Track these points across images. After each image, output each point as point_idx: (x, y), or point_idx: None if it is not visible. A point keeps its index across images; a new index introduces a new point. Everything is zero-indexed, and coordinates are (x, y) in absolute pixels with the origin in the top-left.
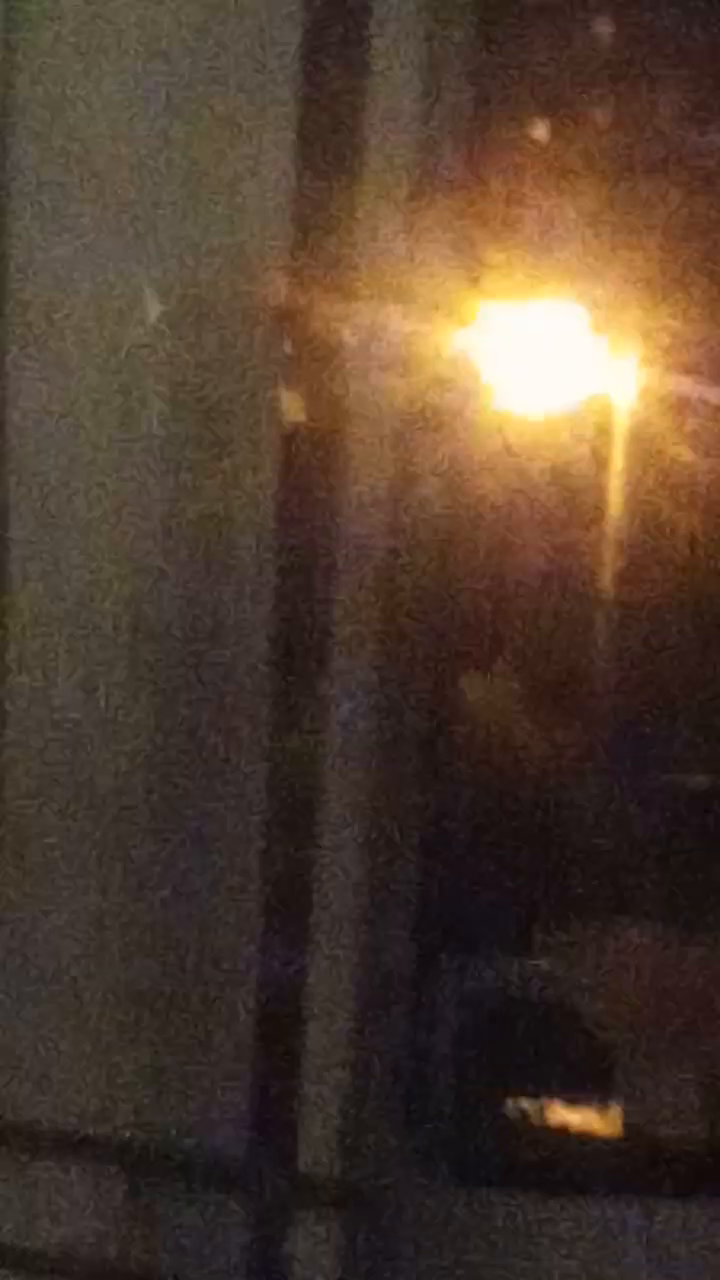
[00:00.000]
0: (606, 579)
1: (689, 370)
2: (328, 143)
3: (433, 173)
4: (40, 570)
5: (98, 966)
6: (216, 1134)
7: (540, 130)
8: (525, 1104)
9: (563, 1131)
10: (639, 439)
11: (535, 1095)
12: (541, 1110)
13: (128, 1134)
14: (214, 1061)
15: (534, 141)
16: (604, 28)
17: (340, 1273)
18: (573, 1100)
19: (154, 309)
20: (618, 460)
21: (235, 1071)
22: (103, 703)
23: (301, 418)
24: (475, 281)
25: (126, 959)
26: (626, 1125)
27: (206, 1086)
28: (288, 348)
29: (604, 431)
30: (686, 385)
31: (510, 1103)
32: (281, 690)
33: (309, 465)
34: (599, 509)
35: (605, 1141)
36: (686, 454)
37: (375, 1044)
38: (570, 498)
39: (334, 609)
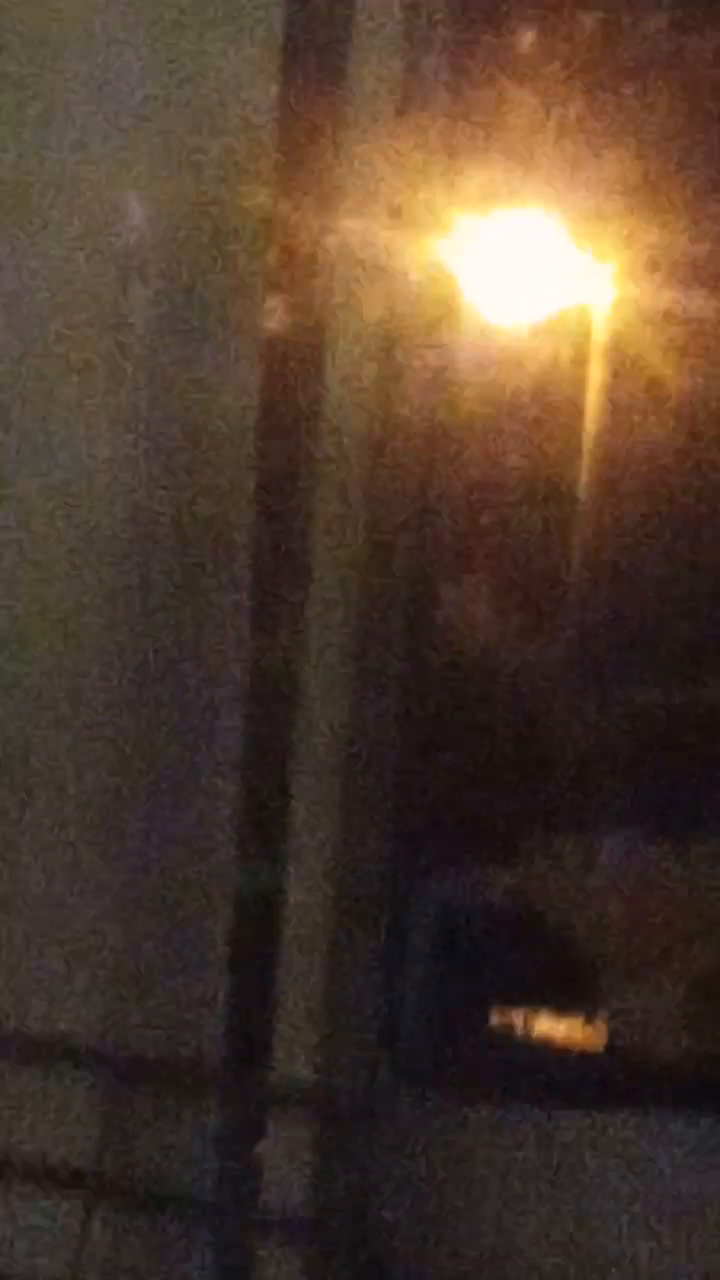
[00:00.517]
0: (586, 490)
1: (672, 281)
2: (313, 53)
3: (416, 82)
4: (17, 471)
5: (75, 877)
6: (192, 1041)
7: (524, 39)
8: (505, 1015)
9: (543, 1043)
10: (621, 349)
11: (515, 1006)
12: (522, 1021)
13: (103, 1042)
14: (190, 969)
15: (517, 50)
16: None
17: (314, 1180)
18: (554, 1012)
19: (138, 216)
20: (599, 371)
21: (211, 979)
22: (80, 609)
23: (284, 328)
24: (458, 191)
25: (104, 869)
26: (609, 1037)
27: (183, 994)
28: (271, 257)
29: (585, 342)
30: (669, 296)
31: (489, 1014)
32: (260, 600)
33: (291, 375)
34: (579, 420)
35: (587, 1054)
36: (668, 365)
37: (352, 953)
38: (551, 409)
39: (314, 518)
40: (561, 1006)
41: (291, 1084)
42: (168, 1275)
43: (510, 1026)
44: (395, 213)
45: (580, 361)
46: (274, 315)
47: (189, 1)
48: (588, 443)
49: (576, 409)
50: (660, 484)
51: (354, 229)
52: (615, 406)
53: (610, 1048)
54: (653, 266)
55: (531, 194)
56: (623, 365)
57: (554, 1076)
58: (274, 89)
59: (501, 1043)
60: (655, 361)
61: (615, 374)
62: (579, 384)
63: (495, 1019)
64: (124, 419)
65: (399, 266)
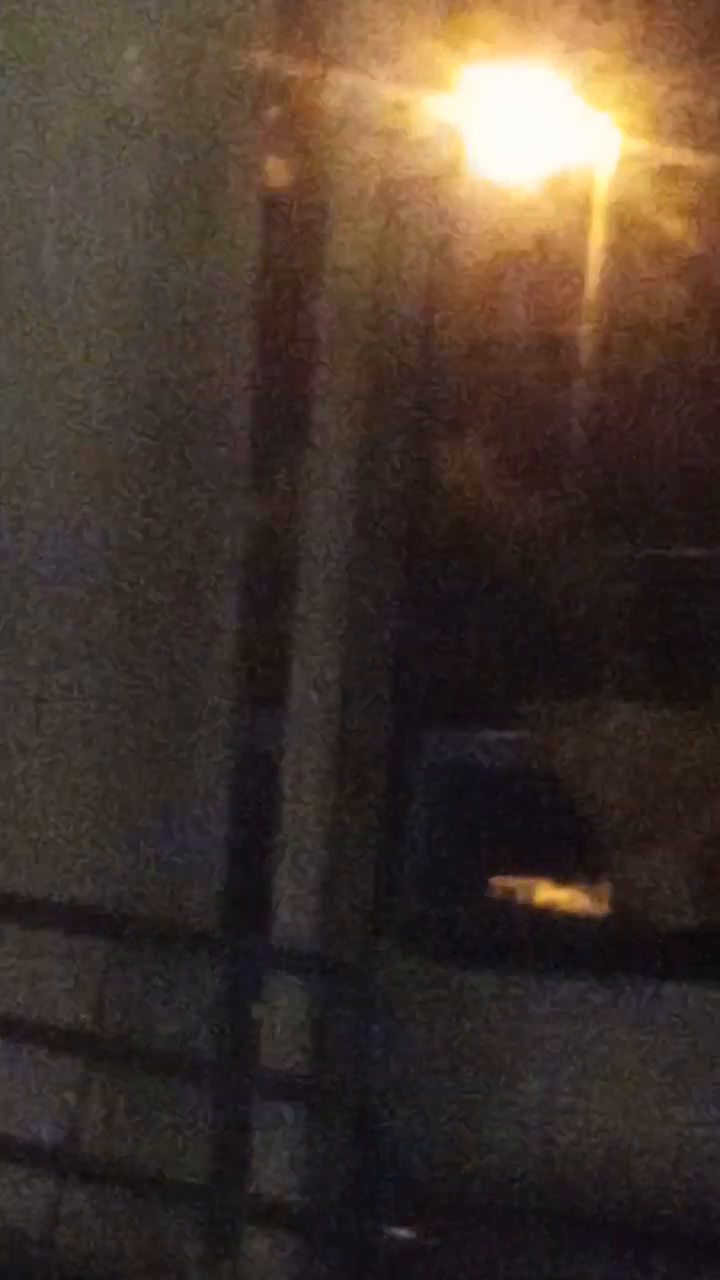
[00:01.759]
0: (589, 348)
1: (675, 137)
2: None
3: None
4: (19, 331)
5: (77, 738)
6: (194, 902)
7: None
8: (505, 881)
9: (544, 910)
10: (623, 205)
11: (515, 873)
12: (522, 888)
13: (106, 902)
14: (192, 832)
15: None
16: None
17: (313, 1040)
18: (555, 879)
19: (138, 75)
20: (601, 227)
21: (213, 841)
22: (85, 477)
23: (286, 185)
24: (459, 48)
25: (106, 731)
26: (612, 906)
27: (184, 856)
28: (271, 115)
29: (588, 199)
30: (672, 152)
31: (489, 880)
32: (261, 458)
33: (293, 232)
34: (582, 277)
35: (588, 920)
36: (671, 221)
37: (352, 816)
38: (554, 265)
39: (314, 377)
40: (562, 874)
41: (290, 946)
42: (167, 1133)
43: (510, 893)
44: (396, 70)
45: (583, 218)
46: (274, 174)
47: None
48: (590, 300)
49: (579, 266)
50: (663, 341)
51: (354, 87)
52: (618, 263)
53: (611, 915)
54: (656, 122)
55: (534, 50)
56: (626, 221)
57: (554, 943)
58: None
59: (501, 909)
60: (658, 218)
61: (618, 230)
62: (581, 241)
63: (495, 885)
64: (124, 281)
65: (399, 124)
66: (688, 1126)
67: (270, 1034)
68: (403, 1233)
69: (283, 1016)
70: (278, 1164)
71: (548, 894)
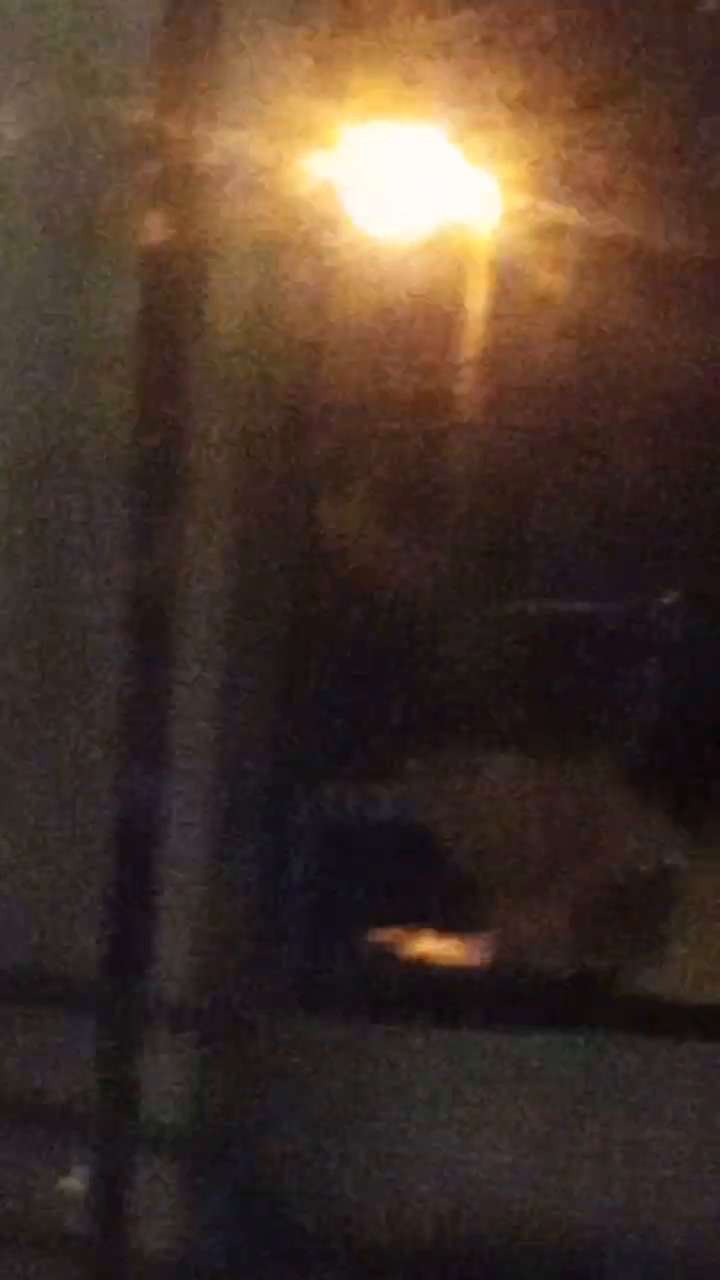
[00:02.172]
0: (469, 403)
1: (555, 193)
2: None
3: None
4: None
5: None
6: (71, 954)
7: None
8: (386, 934)
9: (425, 962)
10: (503, 263)
11: (397, 925)
12: (403, 940)
13: None
14: (70, 883)
15: None
16: None
17: (192, 1095)
18: (436, 931)
19: (13, 127)
20: (481, 284)
21: (91, 893)
22: None
23: (166, 241)
24: (341, 106)
25: None
26: (492, 957)
27: (62, 907)
28: (152, 172)
29: (468, 255)
30: (552, 210)
31: (371, 932)
32: (140, 513)
33: (172, 289)
34: (462, 332)
35: (470, 972)
36: (550, 277)
37: (232, 869)
38: (434, 321)
39: (194, 433)
40: (444, 926)
41: (173, 1000)
42: (46, 1187)
43: (392, 946)
44: (275, 127)
45: (463, 274)
46: (156, 230)
47: None
48: (470, 355)
49: (460, 322)
50: (543, 396)
51: (236, 143)
52: (499, 319)
53: (494, 966)
54: (537, 179)
55: (415, 108)
56: (507, 278)
57: (436, 996)
58: (156, 3)
59: (384, 961)
60: (538, 274)
61: (499, 286)
62: (462, 297)
63: (378, 938)
64: (2, 339)
65: (282, 180)
66: (571, 1174)
67: (152, 1087)
68: None
69: (162, 1073)
70: (159, 1221)
71: (430, 946)
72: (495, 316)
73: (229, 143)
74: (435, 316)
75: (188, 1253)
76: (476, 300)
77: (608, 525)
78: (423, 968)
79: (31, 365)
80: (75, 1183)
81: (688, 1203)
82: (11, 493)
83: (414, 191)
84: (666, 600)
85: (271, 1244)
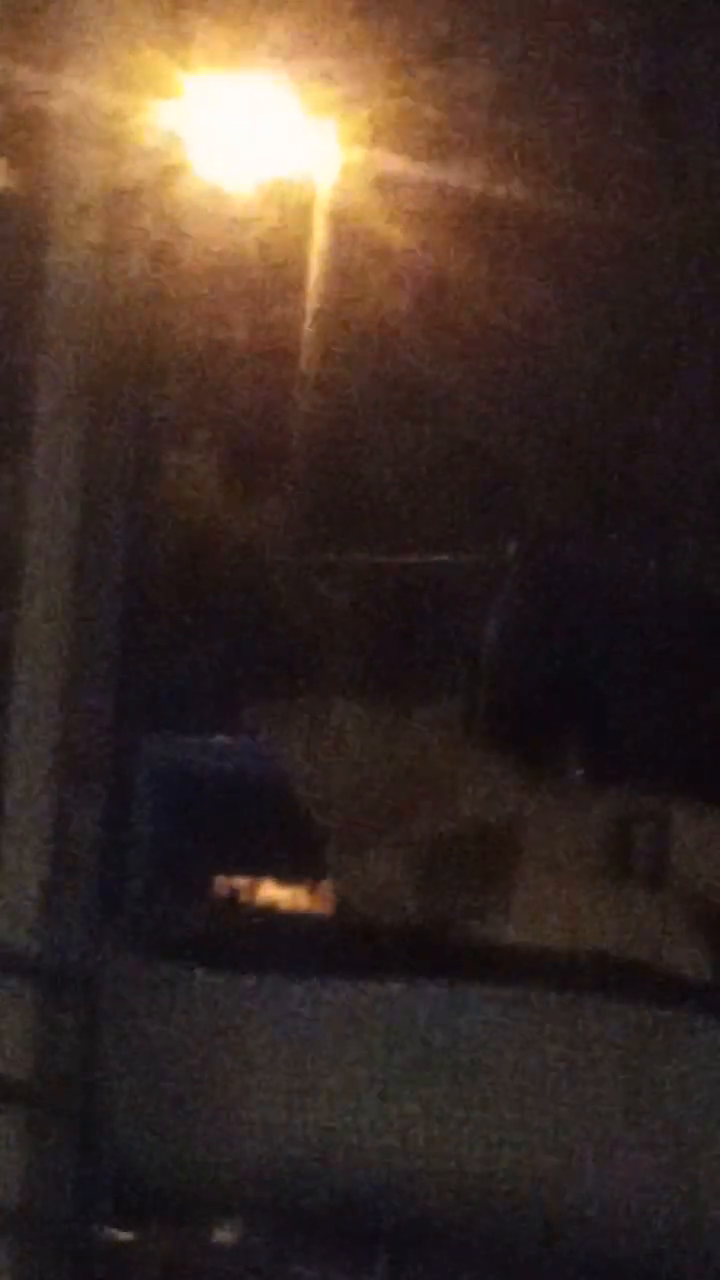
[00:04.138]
0: (312, 355)
1: (395, 146)
2: None
3: None
4: None
5: None
6: None
7: None
8: (231, 881)
9: (270, 910)
10: (345, 214)
11: (241, 873)
12: (248, 888)
13: None
14: None
15: None
16: None
17: (39, 1048)
18: (280, 879)
19: None
20: (324, 236)
21: None
22: None
23: (7, 189)
24: (182, 55)
25: None
26: (336, 905)
27: None
28: None
29: (310, 205)
30: (392, 160)
31: (215, 880)
32: None
33: (15, 236)
34: (304, 283)
35: (314, 920)
36: (390, 229)
37: (75, 818)
38: (275, 272)
39: (39, 383)
40: (287, 874)
41: (11, 950)
42: None
43: (235, 893)
44: (117, 76)
45: (305, 225)
46: None
47: None
48: (312, 307)
49: (301, 273)
50: (385, 350)
51: (75, 93)
52: (340, 270)
53: (335, 914)
54: (378, 130)
55: (258, 57)
56: (347, 228)
57: (279, 943)
58: None
59: (227, 910)
60: (379, 225)
61: (340, 237)
62: (304, 248)
63: (219, 886)
64: None
65: (121, 131)
66: (408, 1122)
67: None
68: (126, 1235)
69: (4, 1021)
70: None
71: (272, 894)
72: (336, 267)
73: (72, 93)
74: (277, 266)
75: (28, 1203)
76: (318, 250)
77: (448, 477)
78: (267, 915)
79: None
80: None
81: (529, 1152)
82: None
83: (256, 142)
84: (506, 551)
85: (114, 1195)
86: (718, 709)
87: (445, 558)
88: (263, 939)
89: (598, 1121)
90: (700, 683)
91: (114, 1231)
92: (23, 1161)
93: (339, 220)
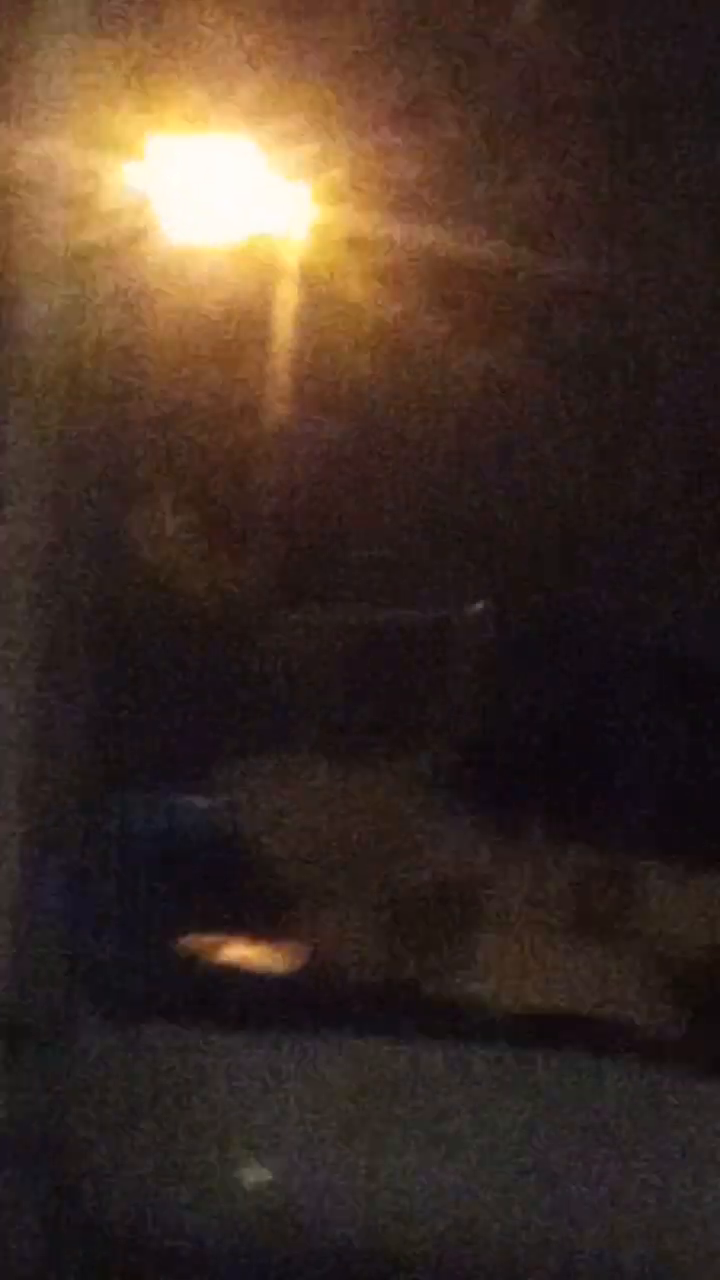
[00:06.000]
0: (279, 412)
1: (365, 206)
2: None
3: (107, 7)
4: None
5: None
6: None
7: None
8: (199, 940)
9: (235, 968)
10: (312, 274)
11: (207, 932)
12: (213, 947)
13: None
14: None
15: None
16: None
17: (4, 1103)
18: (246, 937)
19: None
20: (291, 295)
21: None
22: None
23: None
24: (150, 115)
25: None
26: (301, 962)
27: None
28: None
29: (278, 266)
30: (362, 220)
31: (183, 939)
32: None
33: None
34: (271, 342)
35: (280, 978)
36: (359, 288)
37: (45, 877)
38: (242, 330)
39: (4, 437)
40: (256, 932)
41: None
42: None
43: (203, 952)
44: (84, 137)
45: (274, 285)
46: None
47: None
48: (282, 366)
49: (270, 333)
50: (350, 405)
51: (42, 153)
52: (309, 330)
53: (303, 972)
54: (347, 190)
55: (224, 119)
56: (317, 289)
57: (246, 1001)
58: None
59: (194, 967)
60: (345, 283)
61: (309, 297)
62: (273, 308)
63: (188, 944)
64: None
65: (90, 190)
66: (375, 1178)
67: None
68: None
69: None
70: None
71: (239, 952)
72: (303, 325)
73: (39, 152)
74: (244, 325)
75: None
76: (285, 309)
77: (414, 535)
78: (232, 974)
79: None
80: None
81: (492, 1196)
82: None
83: (225, 203)
84: (471, 610)
85: (81, 1245)
86: (678, 768)
87: (413, 615)
88: (228, 996)
89: (563, 1174)
90: (662, 743)
91: None
92: None
93: (306, 278)
